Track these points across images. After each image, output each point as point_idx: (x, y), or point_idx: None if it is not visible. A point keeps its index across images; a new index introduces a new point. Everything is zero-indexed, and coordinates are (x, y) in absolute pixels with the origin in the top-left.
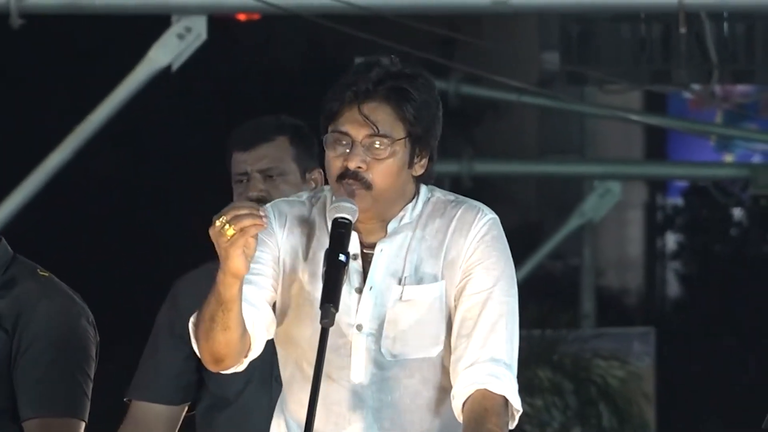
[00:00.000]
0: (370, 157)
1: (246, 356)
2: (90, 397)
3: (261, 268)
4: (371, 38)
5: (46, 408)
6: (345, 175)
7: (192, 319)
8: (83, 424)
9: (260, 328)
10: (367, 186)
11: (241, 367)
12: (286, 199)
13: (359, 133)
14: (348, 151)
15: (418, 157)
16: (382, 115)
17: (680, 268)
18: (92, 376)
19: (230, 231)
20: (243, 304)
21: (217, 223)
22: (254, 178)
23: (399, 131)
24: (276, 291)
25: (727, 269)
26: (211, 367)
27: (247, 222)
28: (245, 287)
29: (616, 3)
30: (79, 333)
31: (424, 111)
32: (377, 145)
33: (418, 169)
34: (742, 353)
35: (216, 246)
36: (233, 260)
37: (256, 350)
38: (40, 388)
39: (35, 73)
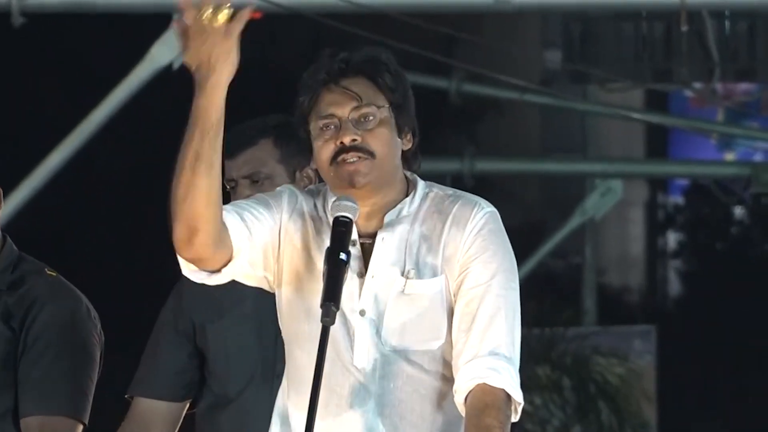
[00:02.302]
0: (362, 130)
1: (224, 265)
2: (91, 399)
3: (260, 213)
4: (373, 37)
5: (45, 406)
6: (342, 150)
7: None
8: (81, 426)
9: (244, 250)
10: (371, 154)
11: (212, 277)
12: (304, 189)
13: (344, 110)
14: (337, 132)
15: (402, 131)
16: (361, 86)
17: (681, 267)
18: (95, 380)
19: (223, 17)
20: (235, 219)
21: (204, 16)
22: (240, 184)
23: (381, 99)
24: (269, 246)
25: (728, 267)
26: (185, 247)
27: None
28: (241, 211)
29: (618, 2)
30: (84, 335)
31: (399, 80)
32: (365, 117)
33: (406, 143)
34: (743, 352)
35: (209, 51)
36: (234, 56)
37: (232, 269)
38: (41, 386)
39: (36, 71)
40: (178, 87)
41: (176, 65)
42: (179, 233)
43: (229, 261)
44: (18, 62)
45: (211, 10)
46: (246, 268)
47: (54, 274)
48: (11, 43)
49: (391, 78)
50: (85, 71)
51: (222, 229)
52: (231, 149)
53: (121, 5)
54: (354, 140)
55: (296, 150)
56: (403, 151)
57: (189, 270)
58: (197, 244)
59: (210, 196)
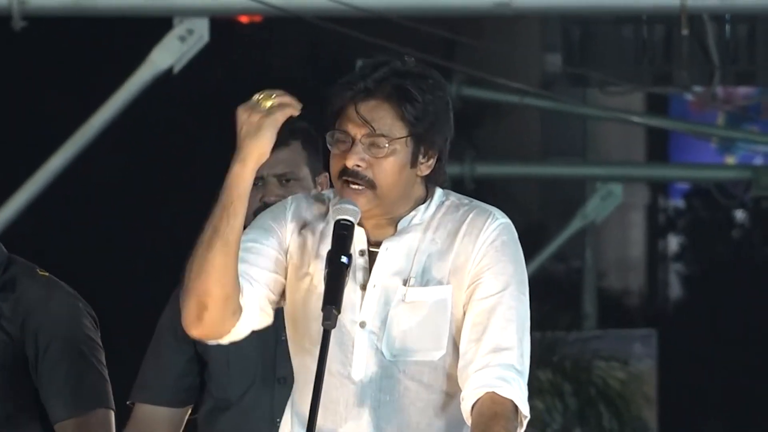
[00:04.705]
0: (370, 156)
1: (233, 328)
2: (109, 382)
3: (263, 250)
4: (373, 40)
5: (77, 406)
6: (344, 173)
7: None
8: (113, 412)
9: (253, 305)
10: (370, 185)
11: (223, 339)
12: (307, 195)
13: (358, 132)
14: (348, 149)
15: (424, 157)
16: (381, 114)
17: (682, 270)
18: (105, 363)
19: (269, 102)
20: (238, 277)
21: (255, 97)
22: (270, 182)
23: (399, 130)
24: (280, 276)
25: (729, 271)
26: (194, 324)
27: (287, 99)
28: (242, 265)
29: (618, 5)
30: (87, 326)
31: (428, 110)
32: (376, 145)
33: (424, 170)
34: (744, 355)
35: (243, 123)
36: (264, 136)
37: (243, 327)
38: (68, 388)
39: (37, 75)
40: (178, 91)
41: (176, 69)
42: (188, 310)
43: (236, 323)
44: (19, 66)
45: (263, 95)
46: (260, 319)
47: (46, 274)
48: (12, 47)
49: (418, 108)
50: (86, 75)
51: (234, 305)
52: None
53: (121, 9)
54: (358, 165)
55: (317, 155)
56: (420, 175)
57: (195, 323)
58: (206, 320)
59: (224, 274)
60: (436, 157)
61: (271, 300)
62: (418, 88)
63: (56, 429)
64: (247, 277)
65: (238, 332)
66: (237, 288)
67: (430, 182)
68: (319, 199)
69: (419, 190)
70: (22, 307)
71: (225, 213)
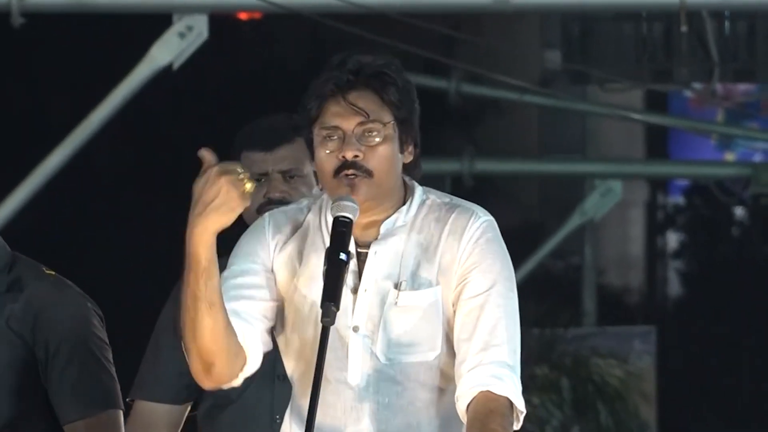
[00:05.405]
0: (365, 146)
1: (241, 370)
2: (117, 381)
3: (252, 280)
4: (373, 37)
5: (88, 407)
6: (343, 167)
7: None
8: (121, 412)
9: (254, 342)
10: (369, 173)
11: (236, 382)
12: (284, 208)
13: (350, 124)
14: (341, 144)
15: (405, 144)
16: (368, 101)
17: (681, 267)
18: (112, 360)
19: (248, 185)
20: (233, 318)
21: (238, 170)
22: (275, 178)
23: (386, 115)
24: (272, 302)
25: (728, 268)
26: (204, 378)
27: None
28: (234, 303)
29: (618, 2)
30: (96, 326)
31: (405, 94)
32: (369, 133)
33: (407, 156)
34: (744, 353)
35: (220, 192)
36: (233, 215)
37: (252, 365)
38: (78, 389)
39: (36, 71)
40: (177, 87)
41: (176, 65)
42: (195, 367)
43: (244, 364)
44: (17, 63)
45: (245, 174)
46: (263, 351)
47: (53, 273)
48: (11, 44)
49: (398, 93)
50: (85, 72)
51: (236, 351)
52: (267, 143)
53: (120, 5)
54: (356, 156)
55: None
56: (404, 163)
57: (205, 377)
58: (215, 374)
59: (215, 332)
60: (413, 144)
61: (269, 328)
62: (393, 73)
63: (66, 430)
64: (244, 315)
65: (247, 372)
66: (234, 336)
67: (410, 173)
68: (297, 208)
69: (400, 187)
70: (33, 308)
71: (201, 278)
